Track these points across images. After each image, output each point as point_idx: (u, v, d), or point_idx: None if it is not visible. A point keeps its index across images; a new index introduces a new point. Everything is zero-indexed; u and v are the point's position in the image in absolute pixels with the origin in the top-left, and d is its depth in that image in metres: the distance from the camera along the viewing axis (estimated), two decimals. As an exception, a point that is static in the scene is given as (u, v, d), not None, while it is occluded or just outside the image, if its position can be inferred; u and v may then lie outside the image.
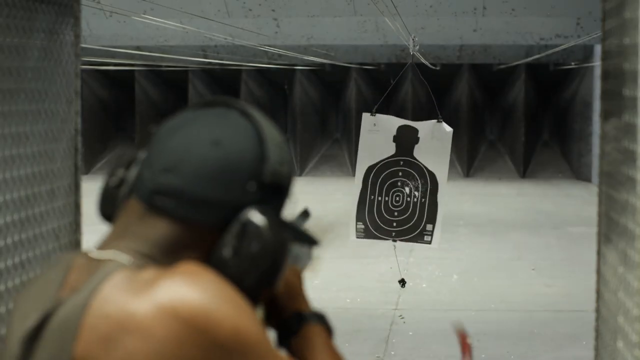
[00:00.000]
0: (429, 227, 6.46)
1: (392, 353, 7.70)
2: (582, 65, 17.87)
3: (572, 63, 18.02)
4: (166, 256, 1.54)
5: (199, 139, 1.55)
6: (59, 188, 3.33)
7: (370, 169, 6.50)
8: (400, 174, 6.45)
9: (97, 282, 1.49)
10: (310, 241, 1.74)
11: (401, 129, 6.40)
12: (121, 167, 1.65)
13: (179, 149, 1.55)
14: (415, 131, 6.39)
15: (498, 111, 20.07)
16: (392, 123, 6.47)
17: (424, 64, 11.11)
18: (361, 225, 6.52)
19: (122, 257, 1.52)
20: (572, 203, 16.07)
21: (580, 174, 18.62)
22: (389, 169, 6.46)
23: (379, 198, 6.48)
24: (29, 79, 3.12)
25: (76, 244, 3.41)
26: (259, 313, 1.73)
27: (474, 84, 19.45)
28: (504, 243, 12.34)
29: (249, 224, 1.54)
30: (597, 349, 3.23)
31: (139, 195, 1.57)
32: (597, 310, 3.18)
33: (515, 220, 14.25)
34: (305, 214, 1.89)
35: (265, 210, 1.55)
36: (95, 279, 1.49)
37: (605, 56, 3.02)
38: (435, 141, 6.33)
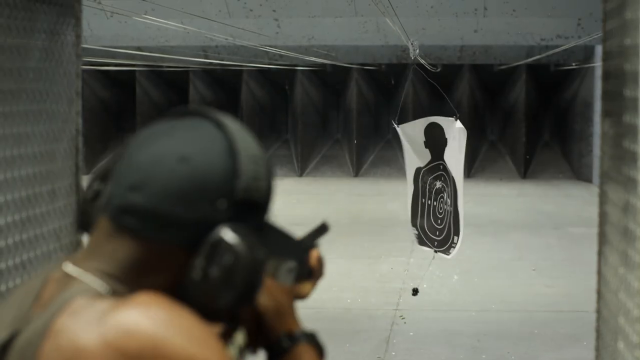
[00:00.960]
0: (455, 239, 6.44)
1: (393, 353, 7.70)
2: (583, 66, 17.87)
3: (573, 64, 18.02)
4: (136, 277, 1.49)
5: (166, 155, 1.49)
6: (60, 188, 3.33)
7: (418, 171, 6.50)
8: (442, 178, 6.43)
9: (57, 307, 1.45)
10: (293, 256, 1.70)
11: (427, 130, 6.39)
12: (97, 179, 1.60)
13: (145, 165, 1.49)
14: (441, 131, 6.36)
15: (499, 112, 20.06)
16: (417, 128, 6.47)
17: (424, 64, 11.11)
18: (415, 232, 6.52)
19: (89, 279, 1.48)
20: (573, 203, 16.07)
21: (581, 175, 18.62)
22: (433, 173, 6.45)
23: (429, 202, 6.47)
24: (30, 79, 3.12)
25: (77, 244, 3.41)
26: (240, 337, 1.68)
27: (474, 84, 19.44)
28: (504, 243, 12.34)
29: (219, 243, 1.48)
30: (597, 349, 3.23)
31: (107, 213, 1.51)
32: (598, 311, 3.18)
33: (516, 220, 14.25)
34: (323, 228, 1.83)
35: (237, 228, 1.48)
36: (57, 302, 1.46)
37: (606, 57, 3.02)
38: (455, 142, 6.30)
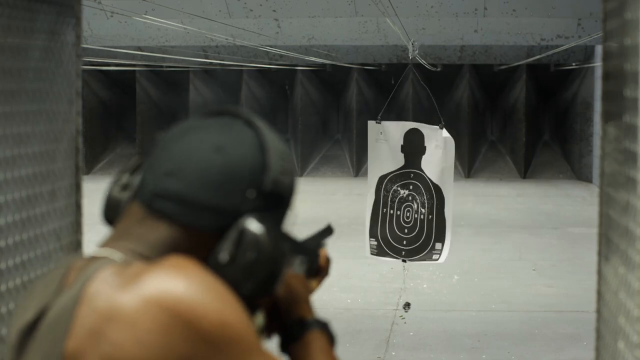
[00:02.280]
0: (437, 245, 6.37)
1: (393, 353, 7.70)
2: (583, 66, 17.87)
3: (573, 64, 18.02)
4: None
5: (202, 145, 1.56)
6: (60, 188, 3.33)
7: (382, 179, 6.41)
8: (411, 187, 6.36)
9: (86, 277, 1.50)
10: (309, 254, 1.74)
11: (408, 135, 6.31)
12: (126, 172, 1.66)
13: (181, 154, 1.56)
14: (421, 138, 6.28)
15: (499, 112, 20.06)
16: (398, 130, 6.37)
17: (425, 65, 11.11)
18: (374, 242, 6.44)
19: (116, 255, 1.53)
20: (573, 204, 16.07)
21: (581, 175, 18.62)
22: (401, 181, 6.38)
23: (391, 212, 6.40)
24: (30, 79, 3.12)
25: (77, 244, 3.41)
26: (259, 319, 1.72)
27: (474, 84, 19.44)
28: (504, 243, 12.34)
29: (246, 231, 1.54)
30: (597, 349, 3.23)
31: (141, 198, 1.58)
32: (598, 311, 3.18)
33: (516, 220, 14.25)
34: (328, 231, 1.88)
35: (263, 219, 1.55)
36: (85, 274, 1.50)
37: (606, 57, 3.02)
38: (439, 150, 6.22)
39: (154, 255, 1.54)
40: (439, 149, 6.27)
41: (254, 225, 1.54)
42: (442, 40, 15.18)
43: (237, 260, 1.53)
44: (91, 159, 19.09)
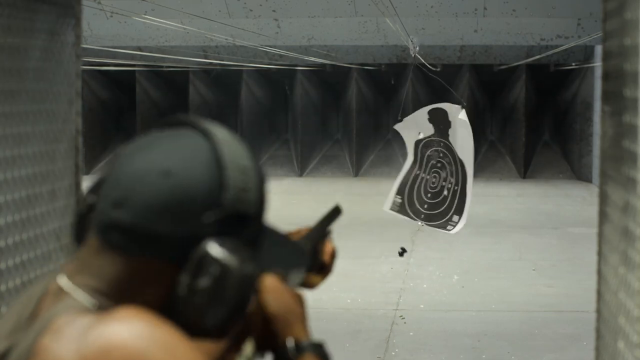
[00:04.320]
0: (455, 218, 6.43)
1: (393, 353, 7.70)
2: (583, 66, 17.87)
3: (573, 64, 18.01)
4: (124, 293, 1.47)
5: (148, 169, 1.46)
6: (60, 189, 3.33)
7: (417, 143, 6.50)
8: (441, 154, 6.43)
9: (42, 325, 1.44)
10: (295, 263, 1.66)
11: (431, 112, 6.41)
12: (90, 192, 1.57)
13: (128, 181, 1.46)
14: (445, 113, 6.37)
15: (499, 112, 20.06)
16: (421, 113, 6.49)
17: (424, 64, 11.11)
18: (399, 199, 6.47)
19: (79, 295, 1.47)
20: (573, 204, 16.07)
21: (580, 175, 18.62)
22: (433, 147, 6.46)
23: (423, 174, 6.47)
24: (30, 79, 3.12)
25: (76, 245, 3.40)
26: (248, 349, 1.66)
27: (474, 84, 19.44)
28: (504, 243, 12.34)
29: (204, 258, 1.44)
30: (597, 349, 3.23)
31: (95, 229, 1.50)
32: (598, 311, 3.18)
33: (516, 220, 14.25)
34: (336, 211, 1.79)
35: (224, 242, 1.45)
36: (44, 320, 1.45)
37: (605, 57, 3.02)
38: (462, 130, 6.31)
39: (110, 290, 1.46)
40: (461, 127, 6.35)
41: (214, 250, 1.44)
42: (442, 40, 15.18)
43: (199, 289, 1.44)
44: (91, 159, 19.08)
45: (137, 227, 1.44)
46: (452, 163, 6.44)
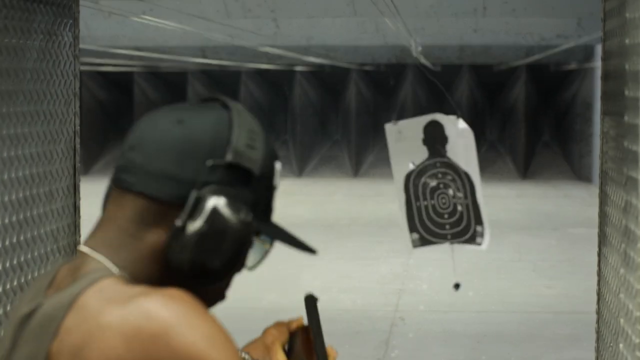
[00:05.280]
0: (479, 228, 6.40)
1: (393, 355, 7.69)
2: (583, 66, 17.86)
3: (573, 63, 18.01)
4: (134, 237, 1.54)
5: (165, 118, 1.57)
6: (58, 189, 3.32)
7: (408, 176, 6.43)
8: (439, 175, 6.38)
9: (82, 285, 1.50)
10: (275, 237, 1.67)
11: (427, 128, 6.34)
12: None
13: (145, 128, 1.57)
14: (441, 128, 6.31)
15: (498, 112, 20.06)
16: (417, 125, 6.40)
17: (424, 64, 11.10)
18: (416, 236, 6.44)
19: (110, 265, 1.53)
20: (573, 204, 16.06)
21: (580, 175, 18.61)
22: (428, 172, 6.39)
23: (425, 203, 6.42)
24: (28, 80, 3.11)
25: (74, 245, 3.40)
26: (280, 354, 1.72)
27: (474, 84, 19.44)
28: (504, 244, 12.33)
29: (199, 200, 1.51)
30: (597, 350, 3.22)
31: (113, 178, 1.59)
32: (598, 312, 3.18)
33: (516, 221, 14.24)
34: (311, 301, 1.82)
35: (221, 190, 1.52)
36: (81, 281, 1.51)
37: (606, 56, 3.01)
38: (461, 140, 6.27)
39: (124, 237, 1.54)
40: (461, 137, 6.31)
41: (209, 196, 1.51)
42: (441, 40, 15.17)
43: (190, 231, 1.50)
44: (89, 160, 19.08)
45: (145, 166, 1.53)
46: (457, 179, 6.41)
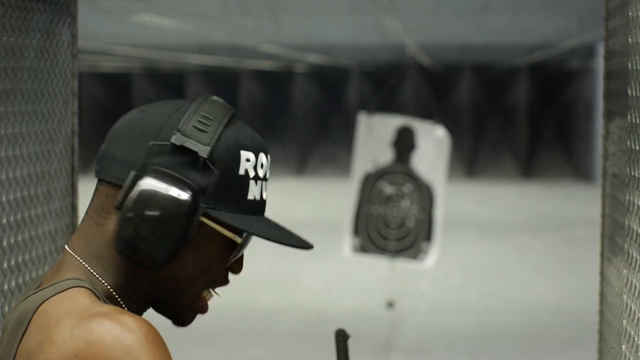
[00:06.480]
0: (424, 246, 6.31)
1: (393, 356, 7.68)
2: (585, 65, 17.85)
3: (575, 62, 18.00)
4: (100, 225, 1.54)
5: (135, 109, 1.62)
6: (56, 190, 3.31)
7: (367, 177, 6.34)
8: (398, 183, 6.30)
9: (50, 292, 1.50)
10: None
11: (399, 131, 6.26)
12: None
13: (119, 122, 1.60)
14: (412, 135, 6.23)
15: (500, 111, 20.05)
16: (390, 124, 6.31)
17: (425, 63, 11.08)
18: (358, 241, 6.37)
19: (77, 264, 1.54)
20: (575, 204, 16.06)
21: (582, 175, 18.61)
22: (387, 178, 6.30)
23: (376, 210, 6.34)
24: (25, 79, 3.10)
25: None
26: None
27: (475, 83, 19.43)
28: (505, 244, 12.32)
29: (133, 180, 1.51)
30: (600, 351, 3.21)
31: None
32: (601, 313, 3.16)
33: (517, 221, 14.23)
34: (342, 336, 1.74)
35: (156, 171, 1.51)
36: (53, 287, 1.51)
37: (608, 55, 3.00)
38: (431, 148, 6.17)
39: (92, 225, 1.54)
40: (431, 145, 6.20)
41: (144, 175, 1.50)
42: (442, 39, 15.16)
43: (122, 210, 1.50)
44: (87, 160, 19.07)
45: (106, 152, 1.56)
46: (412, 190, 6.30)
